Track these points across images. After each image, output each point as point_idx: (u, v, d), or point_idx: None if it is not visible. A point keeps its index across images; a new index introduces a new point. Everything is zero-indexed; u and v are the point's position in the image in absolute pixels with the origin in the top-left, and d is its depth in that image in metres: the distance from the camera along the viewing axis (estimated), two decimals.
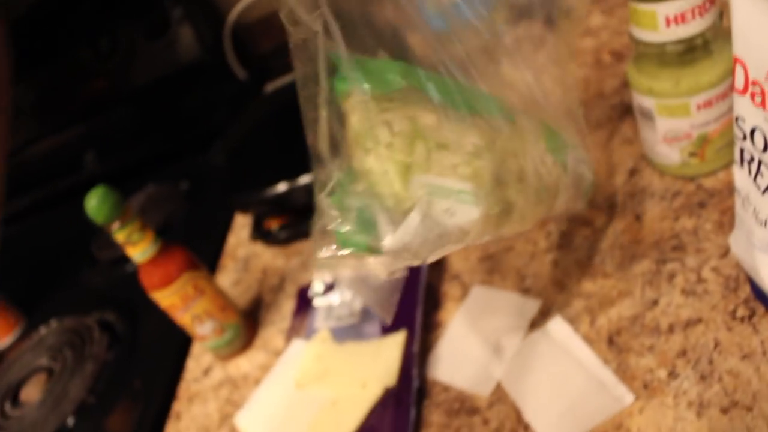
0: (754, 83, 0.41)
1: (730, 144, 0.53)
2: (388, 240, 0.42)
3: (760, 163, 0.43)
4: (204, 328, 0.71)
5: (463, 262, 0.66)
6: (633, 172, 0.64)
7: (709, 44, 0.55)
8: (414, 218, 0.41)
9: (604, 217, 0.62)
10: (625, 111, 0.70)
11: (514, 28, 0.73)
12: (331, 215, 0.42)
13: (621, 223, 0.61)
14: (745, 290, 0.50)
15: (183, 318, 0.71)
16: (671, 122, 0.58)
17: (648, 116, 0.59)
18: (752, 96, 0.42)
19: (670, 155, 0.60)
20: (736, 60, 0.43)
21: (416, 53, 0.45)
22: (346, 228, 0.42)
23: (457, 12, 0.88)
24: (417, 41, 0.46)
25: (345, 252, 0.42)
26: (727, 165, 0.59)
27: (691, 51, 0.55)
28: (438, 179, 0.42)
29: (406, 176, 0.42)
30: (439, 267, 0.67)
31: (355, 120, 0.44)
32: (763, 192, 0.43)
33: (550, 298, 0.58)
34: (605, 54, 0.81)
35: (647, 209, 0.61)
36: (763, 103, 0.41)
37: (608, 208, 0.63)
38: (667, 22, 0.53)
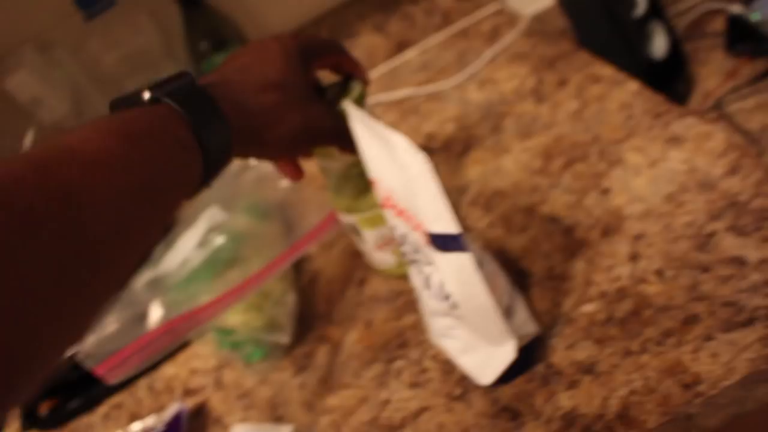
0: (388, 199, 0.47)
1: None
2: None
3: (415, 263, 0.49)
4: None
5: (222, 404, 0.67)
6: (362, 282, 0.69)
7: None
8: None
9: (340, 331, 0.66)
10: None
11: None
12: None
13: (355, 334, 0.65)
14: (459, 371, 0.56)
15: None
16: (375, 232, 0.63)
17: (356, 231, 0.65)
18: (391, 209, 0.48)
19: (386, 259, 0.66)
20: (372, 181, 0.49)
21: None
22: None
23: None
24: None
25: None
26: None
27: None
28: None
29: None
30: (200, 414, 0.68)
31: None
32: (423, 288, 0.49)
33: (301, 420, 0.61)
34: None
35: (376, 314, 0.65)
36: (399, 215, 0.47)
37: (342, 322, 0.67)
38: None
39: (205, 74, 0.48)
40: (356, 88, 0.57)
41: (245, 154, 0.48)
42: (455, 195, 0.71)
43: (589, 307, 0.55)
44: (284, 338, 0.67)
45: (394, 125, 0.86)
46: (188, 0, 0.87)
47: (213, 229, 0.68)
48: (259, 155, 0.50)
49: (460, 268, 0.42)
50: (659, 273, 0.54)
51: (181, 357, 0.78)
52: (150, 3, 0.91)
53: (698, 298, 0.51)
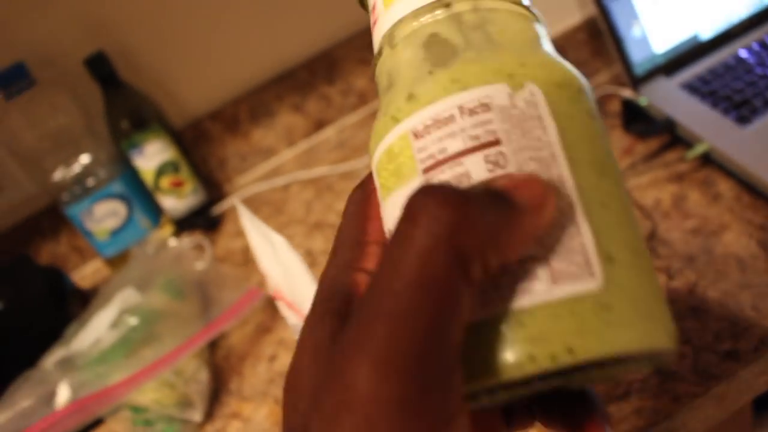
0: (278, 292, 0.50)
1: None
2: None
3: None
4: None
5: None
6: (273, 358, 0.71)
7: None
8: None
9: (251, 408, 0.68)
10: (267, 303, 0.79)
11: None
12: None
13: (265, 409, 0.67)
14: None
15: None
16: None
17: None
18: (282, 301, 0.50)
19: None
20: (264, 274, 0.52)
21: None
22: None
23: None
24: None
25: None
26: None
27: None
28: None
29: None
30: None
31: None
32: None
33: None
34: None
35: None
36: (290, 307, 0.50)
37: (253, 398, 0.68)
38: None
39: None
40: None
41: None
42: None
43: None
44: (196, 416, 0.68)
45: (310, 203, 0.89)
46: (108, 81, 0.89)
47: (126, 311, 0.69)
48: None
49: None
50: None
51: None
52: (71, 83, 0.93)
53: None
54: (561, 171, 0.24)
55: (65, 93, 0.91)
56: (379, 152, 0.28)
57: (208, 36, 0.96)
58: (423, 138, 0.26)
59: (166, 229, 0.96)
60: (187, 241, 0.95)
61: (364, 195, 0.30)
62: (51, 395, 0.64)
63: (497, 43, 0.27)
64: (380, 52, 0.30)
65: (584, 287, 0.23)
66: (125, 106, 0.91)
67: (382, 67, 0.29)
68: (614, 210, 0.25)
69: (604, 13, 0.91)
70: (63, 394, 0.63)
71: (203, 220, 0.95)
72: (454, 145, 0.25)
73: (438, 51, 0.27)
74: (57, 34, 0.92)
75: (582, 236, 0.24)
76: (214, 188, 1.02)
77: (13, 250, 1.02)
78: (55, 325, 0.80)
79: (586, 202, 0.24)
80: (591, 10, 1.05)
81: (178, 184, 0.94)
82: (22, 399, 0.65)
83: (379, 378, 0.20)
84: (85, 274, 1.02)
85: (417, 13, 0.28)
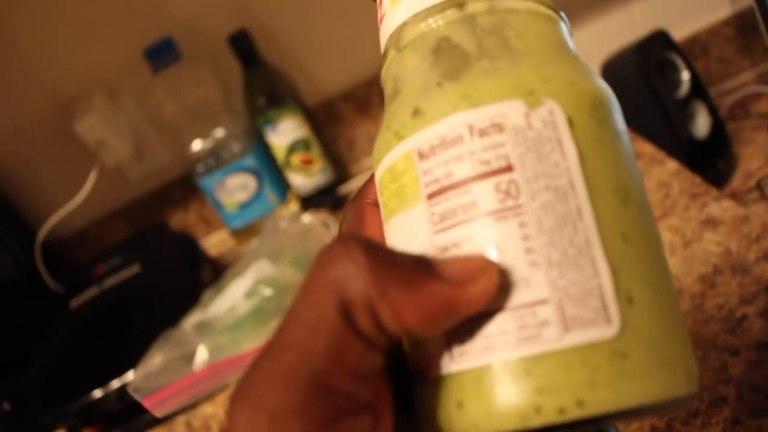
0: None
1: None
2: None
3: None
4: None
5: None
6: None
7: None
8: None
9: None
10: None
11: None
12: None
13: None
14: None
15: None
16: None
17: None
18: None
19: None
20: None
21: None
22: None
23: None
24: None
25: None
26: None
27: None
28: None
29: None
30: None
31: None
32: None
33: None
34: None
35: None
36: None
37: None
38: None
39: None
40: None
41: None
42: None
43: None
44: None
45: None
46: (248, 58, 0.92)
47: (261, 281, 0.71)
48: None
49: None
50: None
51: (220, 397, 0.80)
52: (213, 59, 0.96)
53: (726, 381, 0.53)
54: (579, 202, 0.22)
55: (207, 68, 0.94)
56: (382, 169, 0.26)
57: (345, 18, 0.97)
58: (428, 159, 0.23)
59: (292, 206, 0.99)
60: (317, 217, 0.97)
61: (358, 211, 0.28)
62: (190, 355, 0.66)
63: (515, 50, 0.24)
64: (386, 54, 0.27)
65: (599, 334, 0.21)
66: (263, 84, 0.93)
67: (388, 71, 0.27)
68: (637, 242, 0.23)
69: (762, 5, 0.86)
70: (201, 356, 0.66)
71: (329, 199, 0.97)
72: (462, 170, 0.23)
73: (448, 58, 0.24)
74: (204, 11, 0.95)
75: (599, 277, 0.22)
76: (341, 168, 1.03)
77: (146, 216, 1.06)
78: (188, 289, 0.83)
79: (606, 236, 0.22)
80: (743, 3, 1.00)
81: (308, 162, 0.95)
82: (161, 358, 0.68)
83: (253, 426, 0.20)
84: (211, 244, 1.05)
85: (427, 12, 0.25)
